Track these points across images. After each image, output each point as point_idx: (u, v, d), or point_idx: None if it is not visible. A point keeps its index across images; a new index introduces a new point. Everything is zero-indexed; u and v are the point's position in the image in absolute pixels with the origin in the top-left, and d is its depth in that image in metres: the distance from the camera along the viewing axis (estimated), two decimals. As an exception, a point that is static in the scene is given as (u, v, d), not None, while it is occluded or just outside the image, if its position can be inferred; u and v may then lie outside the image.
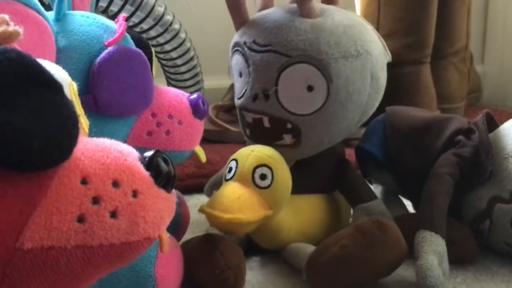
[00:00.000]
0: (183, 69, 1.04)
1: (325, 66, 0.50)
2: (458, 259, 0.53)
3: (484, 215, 0.54)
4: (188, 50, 1.02)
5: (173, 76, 1.05)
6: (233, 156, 0.50)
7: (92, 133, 0.36)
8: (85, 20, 0.45)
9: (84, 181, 0.27)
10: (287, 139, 0.53)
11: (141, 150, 0.32)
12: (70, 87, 0.32)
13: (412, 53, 1.15)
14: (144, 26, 0.94)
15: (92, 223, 0.27)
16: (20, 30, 0.28)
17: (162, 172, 0.30)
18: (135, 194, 0.29)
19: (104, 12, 0.90)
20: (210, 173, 0.70)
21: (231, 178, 0.48)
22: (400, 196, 0.65)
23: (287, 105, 0.52)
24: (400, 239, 0.47)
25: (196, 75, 1.06)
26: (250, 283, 0.50)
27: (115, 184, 0.28)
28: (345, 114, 0.52)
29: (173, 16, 0.98)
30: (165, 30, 0.96)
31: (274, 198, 0.48)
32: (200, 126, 0.51)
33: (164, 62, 1.03)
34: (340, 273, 0.47)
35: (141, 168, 0.30)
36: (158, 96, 0.48)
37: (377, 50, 0.53)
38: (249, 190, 0.47)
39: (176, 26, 0.98)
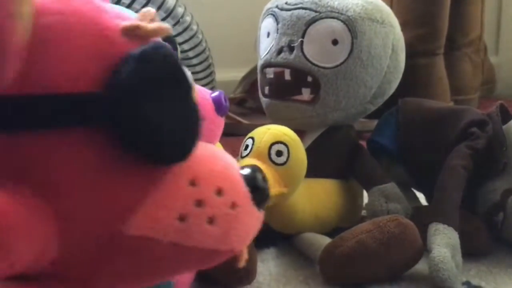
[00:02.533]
0: (195, 61, 1.04)
1: (352, 22, 0.53)
2: (471, 251, 0.52)
3: (497, 207, 0.54)
4: (200, 42, 1.02)
5: (185, 69, 1.05)
6: (249, 134, 0.50)
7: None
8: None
9: (192, 183, 0.28)
10: (306, 94, 0.55)
11: None
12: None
13: (425, 44, 1.14)
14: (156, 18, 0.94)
15: (191, 224, 0.27)
16: (170, 26, 0.28)
17: (259, 189, 0.31)
18: (233, 206, 0.29)
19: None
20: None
21: (247, 155, 0.49)
22: (412, 189, 0.65)
23: (311, 56, 0.54)
24: (417, 239, 0.47)
25: (208, 67, 1.06)
26: (262, 275, 0.50)
27: (219, 192, 0.29)
28: (364, 78, 0.55)
29: (185, 9, 0.98)
30: (177, 23, 0.96)
31: (290, 176, 0.48)
32: (221, 123, 0.51)
33: (176, 54, 1.03)
34: (354, 268, 0.47)
35: (242, 181, 0.30)
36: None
37: (399, 29, 0.57)
38: (265, 166, 0.47)
39: (187, 18, 0.98)
